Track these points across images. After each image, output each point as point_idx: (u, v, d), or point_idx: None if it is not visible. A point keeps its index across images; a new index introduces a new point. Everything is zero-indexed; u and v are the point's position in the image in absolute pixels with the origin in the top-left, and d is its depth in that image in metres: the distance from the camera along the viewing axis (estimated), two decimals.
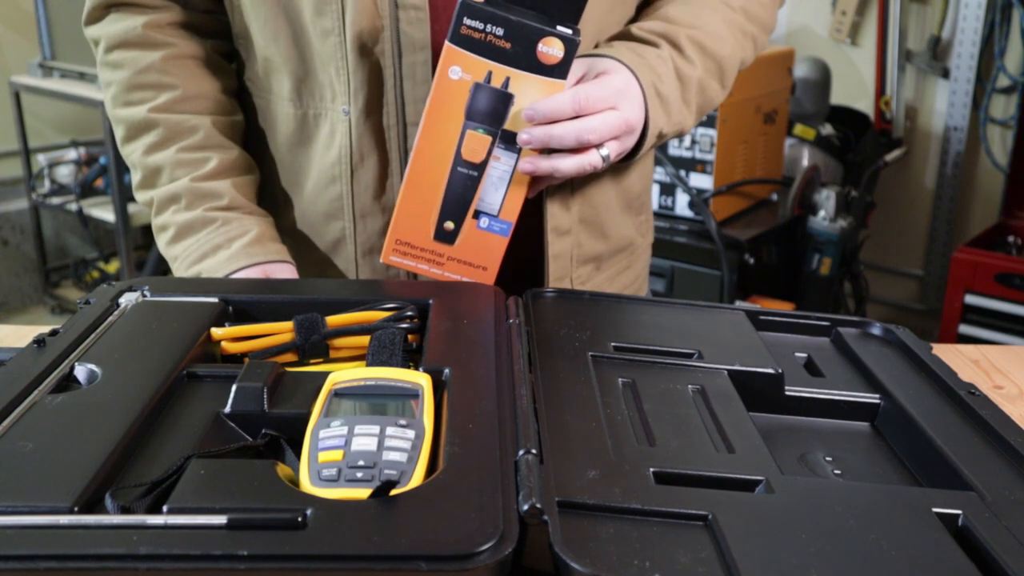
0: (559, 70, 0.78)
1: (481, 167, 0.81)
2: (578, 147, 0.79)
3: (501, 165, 0.81)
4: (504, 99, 0.78)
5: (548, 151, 0.80)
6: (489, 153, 0.80)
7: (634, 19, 0.94)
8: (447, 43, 0.77)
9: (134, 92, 0.90)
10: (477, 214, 0.82)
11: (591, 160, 0.80)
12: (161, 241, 0.90)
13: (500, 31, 0.76)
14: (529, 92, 0.78)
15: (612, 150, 0.81)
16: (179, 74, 0.90)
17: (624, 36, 0.89)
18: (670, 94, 0.85)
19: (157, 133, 0.89)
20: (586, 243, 0.94)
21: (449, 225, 0.83)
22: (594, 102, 0.79)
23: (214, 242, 0.86)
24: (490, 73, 0.77)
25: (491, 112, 0.79)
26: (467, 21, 0.76)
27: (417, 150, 0.80)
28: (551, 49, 0.77)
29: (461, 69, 0.77)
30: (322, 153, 0.88)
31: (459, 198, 0.82)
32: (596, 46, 0.89)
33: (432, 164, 0.81)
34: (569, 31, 0.77)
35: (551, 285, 0.91)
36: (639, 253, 1.05)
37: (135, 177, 0.92)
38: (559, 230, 0.90)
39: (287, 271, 0.86)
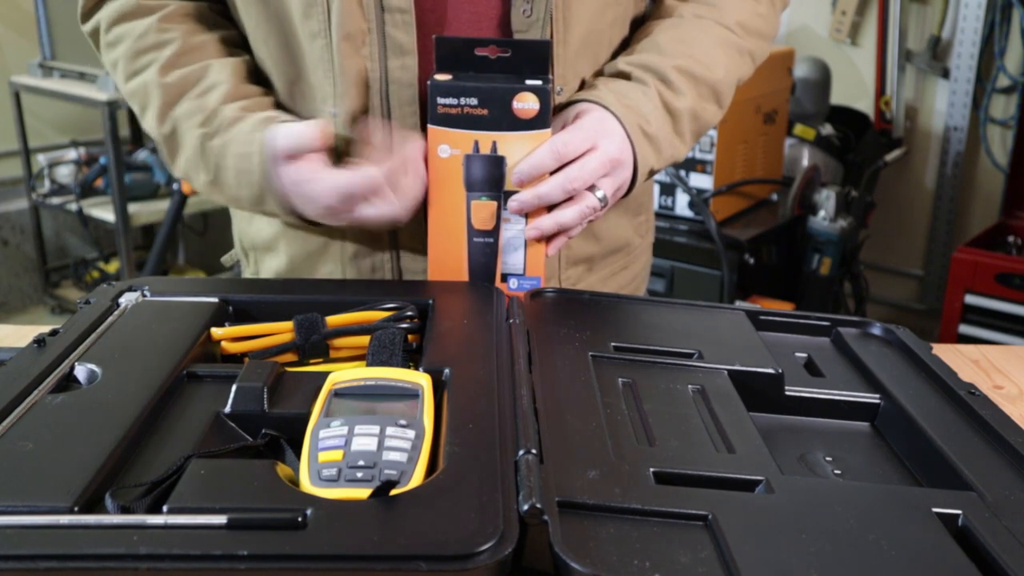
0: (539, 121, 0.78)
1: (495, 232, 0.82)
2: (568, 197, 0.80)
3: (514, 226, 0.82)
4: (497, 163, 0.79)
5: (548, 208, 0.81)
6: (499, 217, 0.81)
7: (630, 33, 0.94)
8: (429, 125, 0.79)
9: (138, 59, 0.87)
10: (505, 277, 0.83)
11: (589, 204, 0.80)
12: (200, 168, 0.85)
13: (474, 100, 0.78)
14: (517, 149, 0.79)
15: (607, 189, 0.81)
16: (176, 28, 0.87)
17: (611, 71, 0.88)
18: (658, 132, 0.85)
19: (162, 93, 0.85)
20: (575, 244, 0.94)
21: None
22: (574, 147, 0.79)
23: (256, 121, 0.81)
24: (476, 142, 0.79)
25: (488, 178, 0.80)
26: (440, 100, 0.78)
27: (431, 230, 0.82)
28: (526, 104, 0.78)
29: (449, 146, 0.79)
30: None
31: (483, 267, 0.83)
32: (581, 86, 0.88)
33: (449, 241, 0.82)
34: (539, 82, 0.78)
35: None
36: (637, 254, 1.04)
37: (162, 153, 0.88)
38: None
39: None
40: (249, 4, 0.85)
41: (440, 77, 0.78)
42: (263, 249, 0.96)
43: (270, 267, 0.95)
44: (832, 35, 3.03)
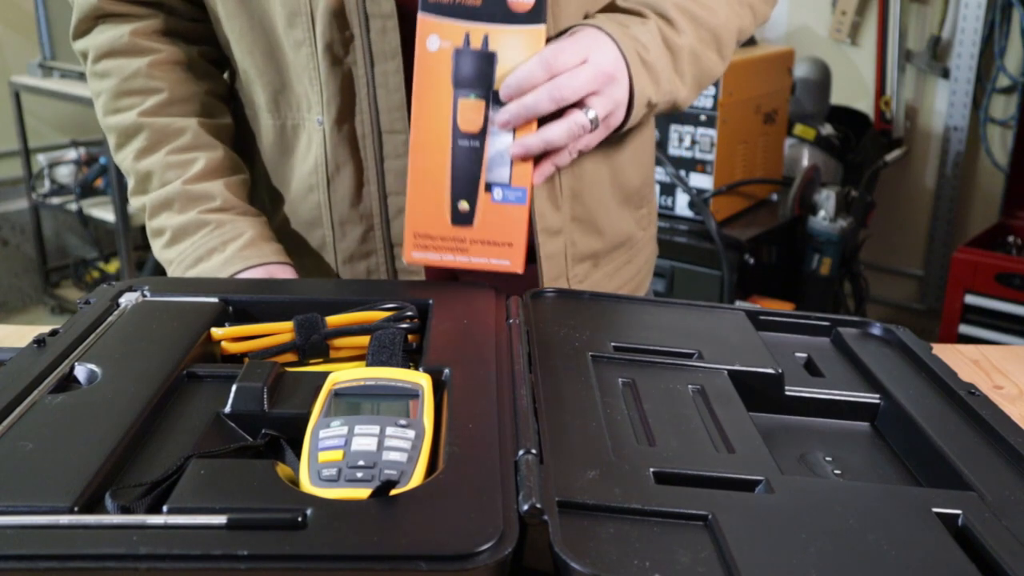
0: (535, 15, 0.75)
1: (481, 136, 0.78)
2: (557, 108, 0.77)
3: (501, 140, 0.78)
4: (487, 59, 0.76)
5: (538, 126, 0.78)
6: (486, 119, 0.77)
7: None
8: (420, 14, 0.75)
9: (122, 99, 0.90)
10: (489, 187, 0.79)
11: (577, 120, 0.77)
12: (156, 246, 0.90)
13: None
14: (510, 45, 0.76)
15: (599, 109, 0.78)
16: (165, 78, 0.90)
17: (610, 8, 0.87)
18: (657, 62, 0.82)
19: (145, 137, 0.89)
20: (580, 241, 0.93)
21: (464, 205, 0.79)
22: (564, 59, 0.76)
23: (208, 245, 0.86)
24: (468, 35, 0.75)
25: (478, 75, 0.76)
26: None
27: (414, 133, 0.78)
28: None
29: (439, 37, 0.75)
30: (300, 163, 0.88)
31: (467, 173, 0.78)
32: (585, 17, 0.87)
33: (432, 144, 0.78)
34: None
35: (548, 285, 0.91)
36: (640, 247, 1.04)
37: (129, 184, 0.92)
38: (550, 230, 0.90)
39: (284, 272, 0.86)
40: (233, 16, 0.86)
41: None
42: None
43: None
44: (832, 35, 3.03)
